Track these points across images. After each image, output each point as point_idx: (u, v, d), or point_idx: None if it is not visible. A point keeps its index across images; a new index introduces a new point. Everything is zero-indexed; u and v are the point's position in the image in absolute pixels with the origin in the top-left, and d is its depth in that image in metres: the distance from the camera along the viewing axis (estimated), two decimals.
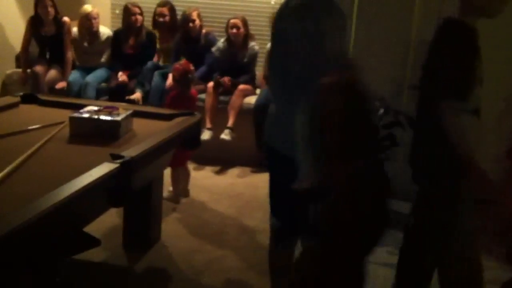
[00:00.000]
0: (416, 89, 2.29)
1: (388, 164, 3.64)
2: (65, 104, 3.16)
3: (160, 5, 5.05)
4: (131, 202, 2.46)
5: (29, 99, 3.21)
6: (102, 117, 2.64)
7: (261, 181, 4.31)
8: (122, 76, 4.84)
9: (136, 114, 2.93)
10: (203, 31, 4.93)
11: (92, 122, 2.62)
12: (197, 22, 4.84)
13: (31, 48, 5.10)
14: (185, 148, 3.11)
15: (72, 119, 2.64)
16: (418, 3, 3.86)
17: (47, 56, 5.11)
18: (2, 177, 2.00)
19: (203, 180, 4.25)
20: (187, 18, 4.83)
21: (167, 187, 3.71)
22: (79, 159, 2.31)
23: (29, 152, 2.28)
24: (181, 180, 3.79)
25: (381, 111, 3.68)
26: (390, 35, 3.97)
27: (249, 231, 3.40)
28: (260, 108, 4.53)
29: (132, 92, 4.74)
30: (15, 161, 2.16)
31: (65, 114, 2.76)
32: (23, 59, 5.04)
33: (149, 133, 2.71)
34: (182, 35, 4.91)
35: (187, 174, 3.84)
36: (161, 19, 5.03)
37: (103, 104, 3.10)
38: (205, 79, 4.79)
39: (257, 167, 4.58)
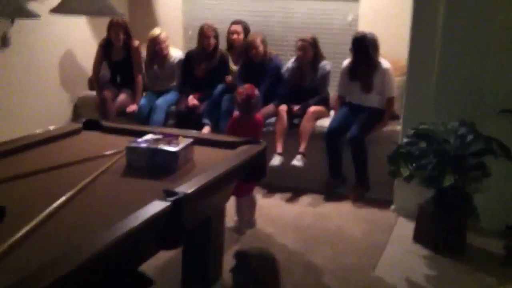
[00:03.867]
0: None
1: (478, 197, 3.30)
2: (128, 131, 3.04)
3: (234, 22, 4.95)
4: (184, 243, 2.25)
5: (92, 125, 3.13)
6: (160, 147, 2.47)
7: (332, 211, 4.02)
8: (192, 100, 4.74)
9: (198, 142, 2.76)
10: (270, 54, 4.73)
11: (149, 152, 2.46)
12: (261, 48, 4.64)
13: (103, 71, 5.12)
14: (249, 180, 2.89)
15: (129, 149, 2.49)
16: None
17: (118, 80, 5.11)
18: (50, 212, 1.87)
19: (272, 209, 4.00)
20: (250, 45, 4.65)
21: (233, 216, 3.51)
22: (131, 194, 2.15)
23: (79, 186, 2.15)
24: (246, 210, 3.56)
25: (470, 137, 3.29)
26: (480, 54, 3.57)
27: (315, 270, 3.11)
28: (334, 132, 4.25)
29: (201, 116, 4.62)
30: (66, 193, 2.04)
31: (126, 142, 2.64)
32: (96, 83, 5.07)
33: (210, 163, 2.52)
34: (244, 62, 4.74)
35: (253, 204, 3.61)
36: (234, 36, 4.90)
37: (166, 131, 2.96)
38: (269, 100, 4.56)
39: (330, 196, 4.28)
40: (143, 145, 2.50)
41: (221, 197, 2.64)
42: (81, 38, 5.23)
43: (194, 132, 3.26)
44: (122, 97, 4.93)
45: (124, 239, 1.68)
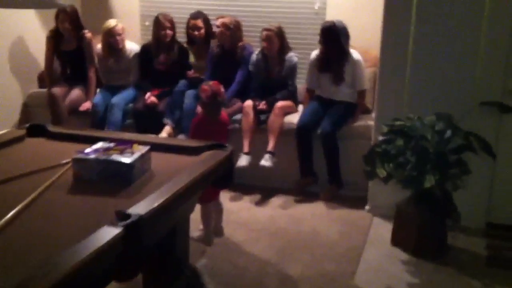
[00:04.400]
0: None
1: (457, 194, 3.11)
2: (77, 137, 2.72)
3: (193, 17, 4.58)
4: (142, 270, 1.97)
5: (37, 131, 2.79)
6: (112, 158, 2.17)
7: (306, 212, 3.78)
8: (150, 98, 4.40)
9: (156, 147, 2.47)
10: (240, 43, 4.43)
11: (99, 164, 2.15)
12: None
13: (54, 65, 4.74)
14: (215, 187, 2.61)
15: (76, 161, 2.18)
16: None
17: (69, 73, 4.74)
18: None
19: (240, 213, 3.74)
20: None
21: (198, 225, 3.23)
22: (77, 217, 1.84)
23: (16, 209, 1.83)
24: (213, 217, 3.29)
25: (448, 132, 3.09)
26: (456, 45, 3.37)
27: (292, 281, 2.87)
28: (304, 128, 4.01)
29: (161, 115, 4.30)
30: (5, 215, 1.73)
31: (75, 150, 2.33)
32: (48, 77, 4.69)
33: (170, 173, 2.23)
34: (213, 52, 4.45)
35: (220, 210, 3.34)
36: (195, 33, 4.56)
37: (119, 136, 2.65)
38: (238, 95, 4.30)
39: (301, 196, 4.04)
40: (92, 156, 2.19)
41: (183, 210, 2.36)
42: (27, 29, 4.81)
43: (152, 137, 2.95)
44: (74, 93, 4.57)
45: (62, 281, 1.39)
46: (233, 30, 4.32)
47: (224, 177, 2.53)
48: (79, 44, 4.63)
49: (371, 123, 4.01)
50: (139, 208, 1.78)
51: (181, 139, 2.87)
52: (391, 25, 3.53)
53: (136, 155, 2.21)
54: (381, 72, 3.62)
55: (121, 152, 2.23)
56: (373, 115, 4.15)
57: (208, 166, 2.32)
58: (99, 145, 2.32)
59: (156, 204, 1.84)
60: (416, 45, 3.45)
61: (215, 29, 4.45)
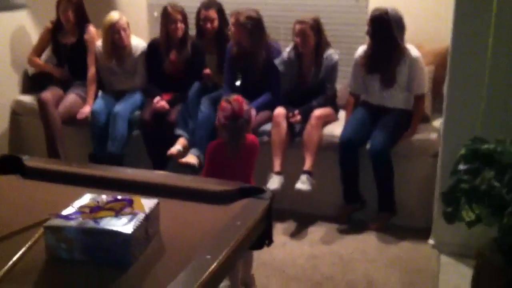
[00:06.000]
0: None
1: None
2: (61, 175, 2.00)
3: (204, 7, 3.79)
4: None
5: (9, 165, 2.08)
6: (102, 225, 1.45)
7: (354, 251, 3.04)
8: (159, 102, 3.66)
9: (168, 193, 1.77)
10: (268, 40, 3.65)
11: (82, 236, 1.44)
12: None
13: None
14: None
15: (49, 231, 1.46)
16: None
17: (66, 70, 4.05)
18: None
19: (274, 251, 3.00)
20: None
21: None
22: None
23: None
24: (240, 268, 2.56)
25: None
26: None
27: None
28: (349, 143, 3.26)
29: (173, 125, 3.57)
30: None
31: (58, 198, 1.71)
32: (36, 61, 4.04)
33: (188, 244, 1.52)
34: (232, 53, 3.65)
35: (249, 259, 2.61)
36: (208, 26, 3.80)
37: (123, 173, 1.95)
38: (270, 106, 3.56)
39: (346, 225, 3.31)
40: (73, 222, 1.47)
41: None
42: (15, 26, 4.10)
43: (161, 176, 2.19)
44: (69, 99, 3.85)
45: None
46: (251, 29, 3.49)
47: (261, 237, 1.81)
48: (81, 38, 3.93)
49: (433, 136, 3.26)
50: None
51: (202, 180, 2.10)
52: (465, 17, 2.76)
53: (138, 218, 1.49)
54: (451, 76, 2.86)
55: (117, 214, 1.51)
56: (435, 123, 3.43)
57: (244, 230, 1.60)
58: (85, 200, 1.60)
59: None
60: (498, 42, 2.68)
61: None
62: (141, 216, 1.50)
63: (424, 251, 3.03)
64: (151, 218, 1.54)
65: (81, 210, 1.52)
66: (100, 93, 4.00)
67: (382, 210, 3.30)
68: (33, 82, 4.11)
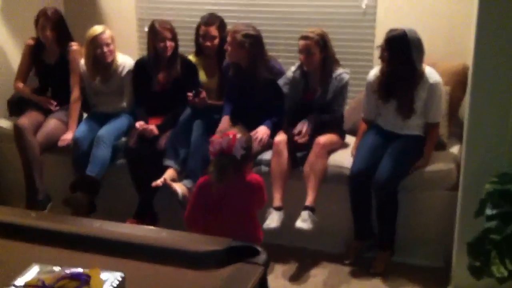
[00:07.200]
0: None
1: None
2: (13, 229, 1.66)
3: (205, 22, 3.43)
4: None
5: None
6: None
7: None
8: (143, 126, 3.31)
9: (139, 254, 1.45)
10: (269, 58, 3.31)
11: None
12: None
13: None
14: None
15: None
16: None
17: (50, 92, 3.73)
18: None
19: None
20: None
21: None
22: None
23: None
24: None
25: None
26: None
27: None
28: (362, 176, 2.91)
29: (162, 154, 3.23)
30: None
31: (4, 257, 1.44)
32: (20, 88, 3.68)
33: None
34: (230, 72, 3.33)
35: None
36: (207, 43, 3.46)
37: (92, 227, 1.62)
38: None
39: (355, 265, 2.97)
40: None
41: None
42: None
43: (133, 231, 1.80)
44: (50, 124, 3.50)
45: None
46: (249, 48, 3.16)
47: None
48: (63, 57, 3.60)
49: (451, 166, 2.92)
50: None
51: (182, 236, 1.72)
52: (489, 32, 2.43)
53: None
54: (472, 97, 2.53)
55: (81, 285, 1.18)
56: (452, 150, 3.09)
57: None
58: (32, 274, 1.26)
59: None
60: None
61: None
62: None
63: None
64: None
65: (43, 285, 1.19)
66: (84, 116, 3.67)
67: (383, 249, 2.95)
68: (10, 106, 3.77)
